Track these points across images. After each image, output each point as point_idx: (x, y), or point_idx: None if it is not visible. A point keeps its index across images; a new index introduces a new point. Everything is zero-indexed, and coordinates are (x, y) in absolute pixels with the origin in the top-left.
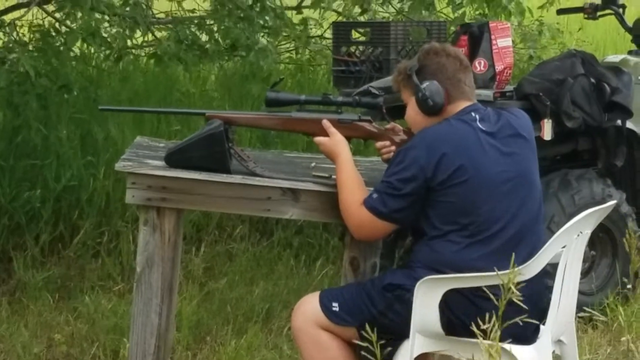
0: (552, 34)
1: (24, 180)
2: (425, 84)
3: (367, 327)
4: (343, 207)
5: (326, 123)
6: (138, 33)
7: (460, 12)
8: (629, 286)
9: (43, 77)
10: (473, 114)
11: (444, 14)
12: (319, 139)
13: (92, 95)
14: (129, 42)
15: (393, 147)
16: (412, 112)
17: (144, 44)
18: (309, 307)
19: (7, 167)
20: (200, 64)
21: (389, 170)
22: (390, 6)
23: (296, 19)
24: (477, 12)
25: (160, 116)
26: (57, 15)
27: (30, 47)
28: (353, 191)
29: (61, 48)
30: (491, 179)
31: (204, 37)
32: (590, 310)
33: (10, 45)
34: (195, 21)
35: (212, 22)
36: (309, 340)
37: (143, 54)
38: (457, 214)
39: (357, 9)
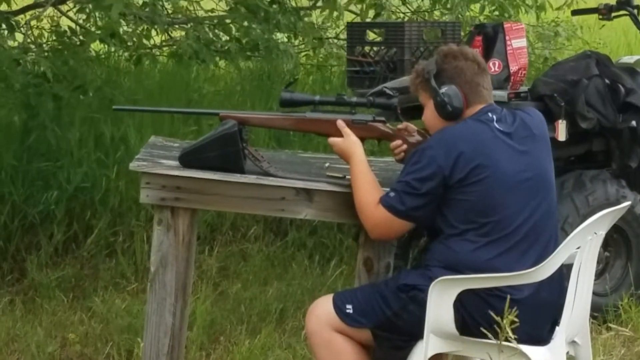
0: (568, 35)
1: (38, 180)
2: (444, 89)
3: (381, 329)
4: (359, 207)
5: (340, 123)
6: (154, 32)
7: (479, 3)
8: None
9: (61, 80)
10: (490, 114)
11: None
12: (332, 140)
13: (109, 96)
14: (145, 42)
15: (405, 146)
16: (430, 115)
17: (162, 43)
18: (323, 310)
19: (20, 167)
20: (221, 62)
21: (406, 169)
22: (407, 7)
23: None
24: (494, 8)
25: (176, 117)
26: (73, 15)
27: (46, 48)
28: (369, 191)
29: (77, 49)
30: (508, 178)
31: (223, 38)
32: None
33: (26, 45)
34: (215, 21)
35: (229, 21)
36: (323, 344)
37: (159, 53)
38: (474, 213)
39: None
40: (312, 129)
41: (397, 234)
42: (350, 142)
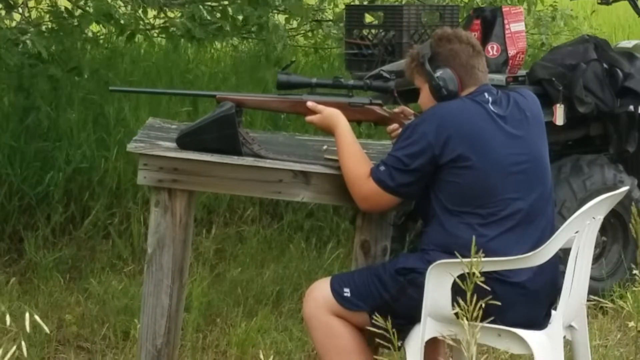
0: (565, 21)
1: (36, 161)
2: (438, 73)
3: (378, 313)
4: (349, 179)
5: (310, 104)
6: (150, 14)
7: None
8: (635, 271)
9: (54, 61)
10: (486, 94)
11: None
12: (310, 118)
13: (104, 78)
14: (141, 22)
15: (401, 130)
16: (426, 99)
17: (156, 23)
18: (320, 293)
19: (18, 148)
20: (213, 41)
21: (398, 144)
22: None
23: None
24: None
25: (173, 98)
26: None
27: (43, 28)
28: (358, 164)
29: (73, 29)
30: (501, 162)
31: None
32: (596, 298)
33: (23, 25)
34: (208, 2)
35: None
36: (320, 327)
37: (155, 34)
38: (469, 196)
39: None
40: (308, 112)
41: (386, 207)
42: (328, 114)
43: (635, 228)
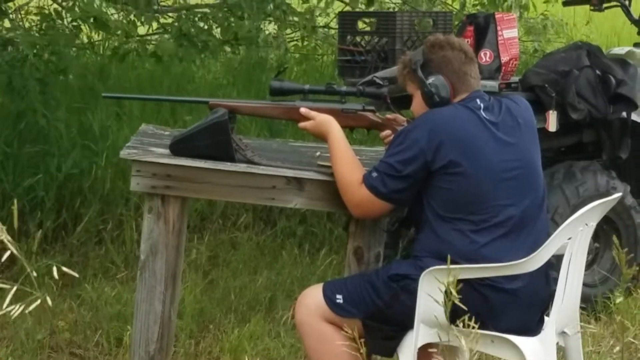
0: (556, 29)
1: (28, 167)
2: (431, 80)
3: (371, 319)
4: (342, 185)
5: (303, 110)
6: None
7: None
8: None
9: (41, 58)
10: (478, 101)
11: (449, 3)
12: (303, 124)
13: (90, 84)
14: (132, 33)
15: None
16: (419, 105)
17: (149, 33)
18: (313, 299)
19: (11, 154)
20: (202, 58)
21: (390, 150)
22: None
23: (302, 7)
24: (476, 5)
25: (165, 108)
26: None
27: (33, 32)
28: (350, 170)
29: (66, 31)
30: (493, 168)
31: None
32: (582, 305)
33: (13, 29)
34: (199, 14)
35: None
36: (313, 334)
37: (147, 46)
38: (460, 203)
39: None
40: (302, 118)
41: (379, 214)
42: (321, 120)
43: (619, 257)
